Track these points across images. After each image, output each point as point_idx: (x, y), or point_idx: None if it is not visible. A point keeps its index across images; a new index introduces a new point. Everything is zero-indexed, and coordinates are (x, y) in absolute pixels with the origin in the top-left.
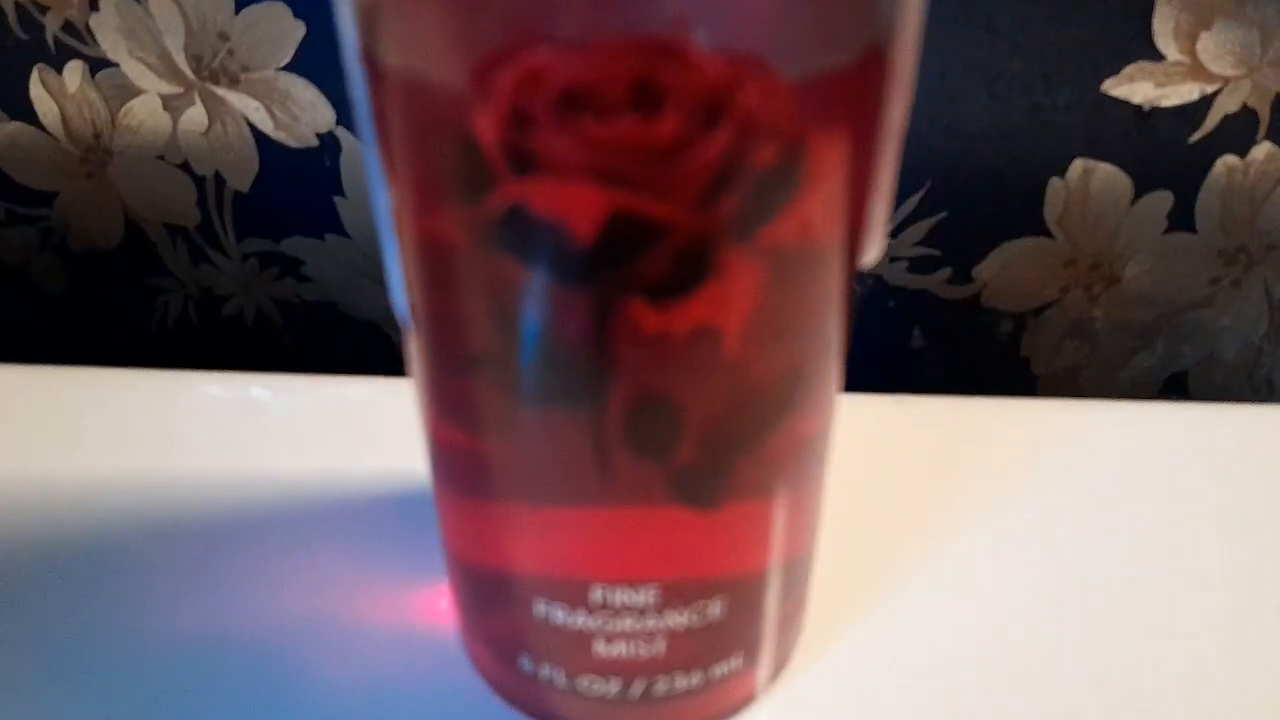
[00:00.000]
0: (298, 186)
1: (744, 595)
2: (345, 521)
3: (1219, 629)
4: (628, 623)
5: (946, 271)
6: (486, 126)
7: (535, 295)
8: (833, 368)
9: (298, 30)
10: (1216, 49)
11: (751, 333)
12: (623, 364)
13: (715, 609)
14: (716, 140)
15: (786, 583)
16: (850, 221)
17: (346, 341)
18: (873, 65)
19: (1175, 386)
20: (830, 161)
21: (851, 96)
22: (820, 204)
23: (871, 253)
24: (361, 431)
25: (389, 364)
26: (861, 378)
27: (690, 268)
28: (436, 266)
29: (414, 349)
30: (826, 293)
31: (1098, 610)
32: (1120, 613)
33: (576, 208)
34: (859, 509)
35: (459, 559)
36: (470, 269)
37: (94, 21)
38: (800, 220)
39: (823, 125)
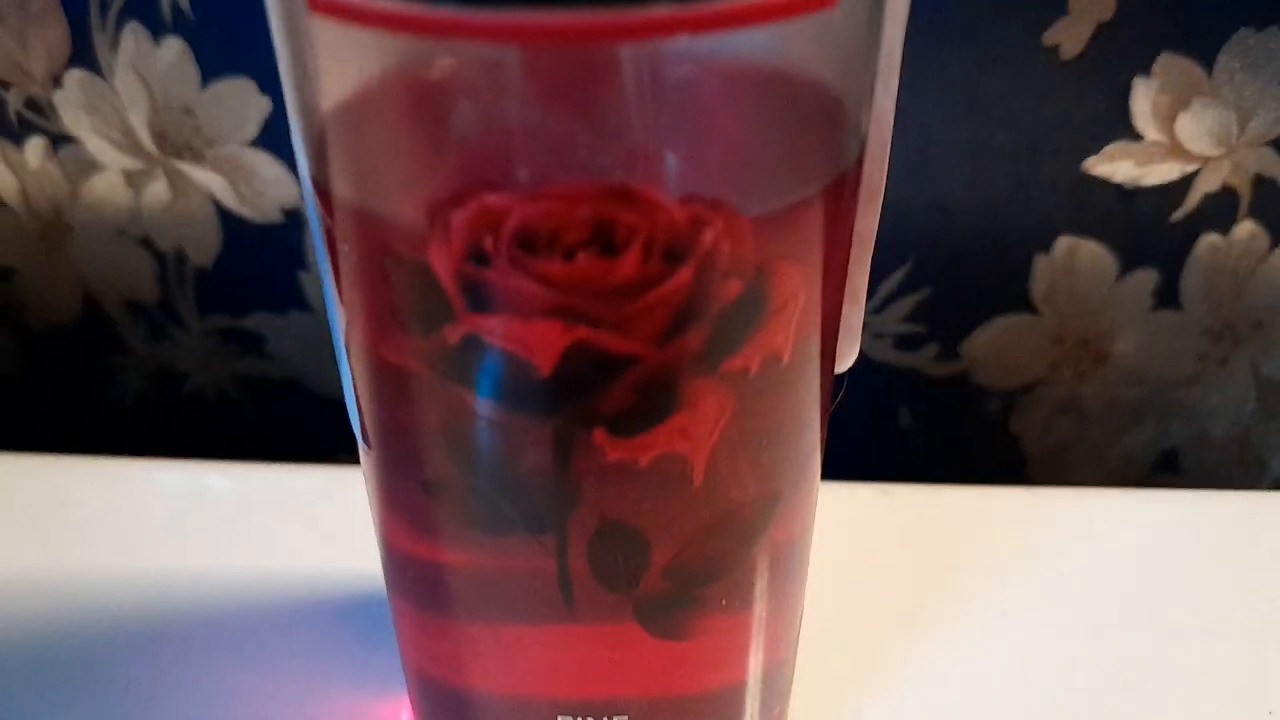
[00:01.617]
0: (261, 262)
1: (719, 717)
2: (305, 623)
3: None
4: None
5: (933, 349)
6: (442, 262)
7: (493, 424)
8: (811, 476)
9: (263, 106)
10: (1195, 129)
11: (721, 459)
12: (585, 494)
13: None
14: (677, 279)
15: (765, 698)
16: (822, 337)
17: (310, 419)
18: (840, 189)
19: (1166, 464)
20: (797, 287)
21: (818, 222)
22: (788, 328)
23: (848, 358)
24: (323, 524)
25: (353, 443)
26: (848, 458)
27: (653, 400)
28: (391, 390)
29: (369, 465)
30: (800, 408)
31: (1091, 707)
32: (1114, 709)
33: (535, 343)
34: (843, 607)
35: (417, 675)
36: (425, 396)
37: (57, 98)
38: (767, 346)
39: (788, 254)
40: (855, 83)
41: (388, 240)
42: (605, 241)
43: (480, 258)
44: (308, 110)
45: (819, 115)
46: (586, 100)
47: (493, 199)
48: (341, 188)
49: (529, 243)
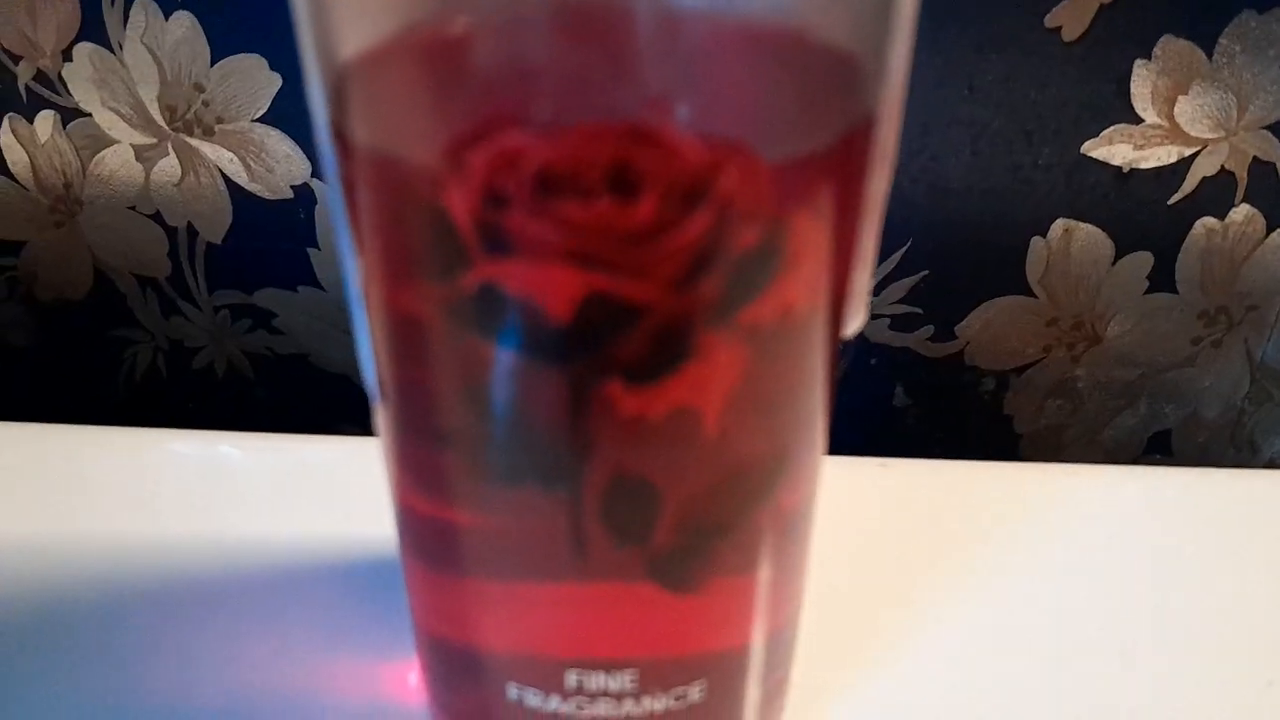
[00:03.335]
0: (271, 238)
1: (725, 676)
2: (315, 589)
3: (1207, 700)
4: (604, 708)
5: (929, 329)
6: (460, 205)
7: (508, 374)
8: (817, 440)
9: (274, 82)
10: (1194, 113)
11: (733, 413)
12: (599, 445)
13: (695, 692)
14: (695, 223)
15: (769, 661)
16: (833, 296)
17: (319, 395)
18: (855, 144)
19: (1158, 446)
20: (812, 240)
21: (833, 175)
22: (802, 282)
23: (855, 323)
24: (333, 493)
25: (362, 418)
26: (844, 436)
27: (668, 349)
28: (406, 341)
29: (382, 420)
30: (810, 368)
31: (1084, 680)
32: (1107, 683)
33: (552, 288)
34: (844, 578)
35: (428, 634)
36: (441, 345)
37: (66, 72)
38: (782, 299)
39: (804, 205)
40: (869, 37)
41: (406, 184)
42: (624, 184)
43: (498, 201)
44: (325, 51)
45: (834, 67)
46: (608, 42)
47: (512, 139)
48: (360, 132)
49: (548, 185)
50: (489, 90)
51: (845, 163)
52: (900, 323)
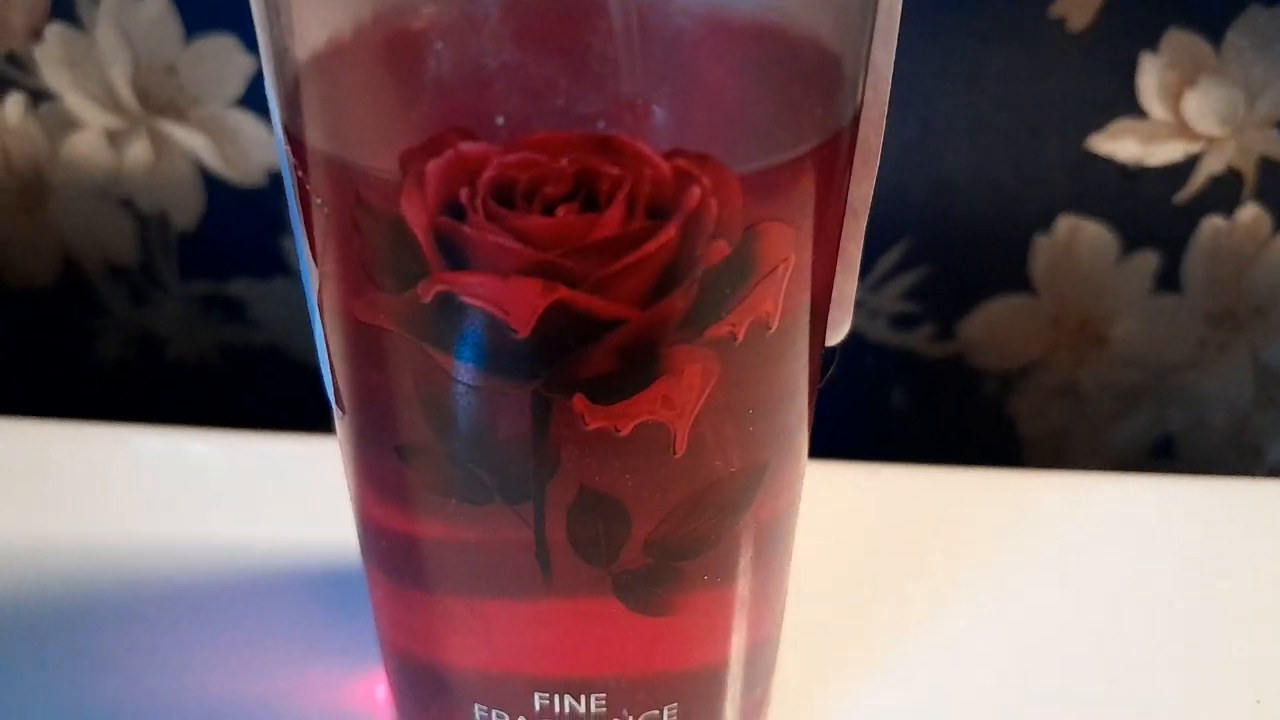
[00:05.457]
0: (245, 226)
1: (699, 698)
2: (284, 595)
3: (1208, 713)
4: None
5: (928, 328)
6: (416, 215)
7: (469, 389)
8: (799, 452)
9: (249, 64)
10: (1201, 108)
11: (705, 431)
12: (563, 463)
13: (667, 715)
14: (661, 237)
15: (746, 680)
16: (813, 307)
17: (293, 388)
18: (835, 147)
19: (1163, 450)
20: (787, 252)
21: (811, 182)
22: (777, 294)
23: (840, 330)
24: (305, 494)
25: None
26: (839, 440)
27: (635, 365)
28: (364, 352)
29: (342, 432)
30: (789, 380)
31: (1081, 692)
32: (1105, 694)
33: (512, 302)
34: (830, 590)
35: (393, 651)
36: (399, 357)
37: (37, 52)
38: (755, 312)
39: (779, 214)
40: (852, 38)
41: (361, 192)
42: (587, 196)
43: (456, 211)
44: (280, 53)
45: (814, 70)
46: (570, 45)
47: (469, 148)
48: (314, 136)
49: (507, 195)
50: (447, 95)
51: (824, 170)
52: (899, 321)
